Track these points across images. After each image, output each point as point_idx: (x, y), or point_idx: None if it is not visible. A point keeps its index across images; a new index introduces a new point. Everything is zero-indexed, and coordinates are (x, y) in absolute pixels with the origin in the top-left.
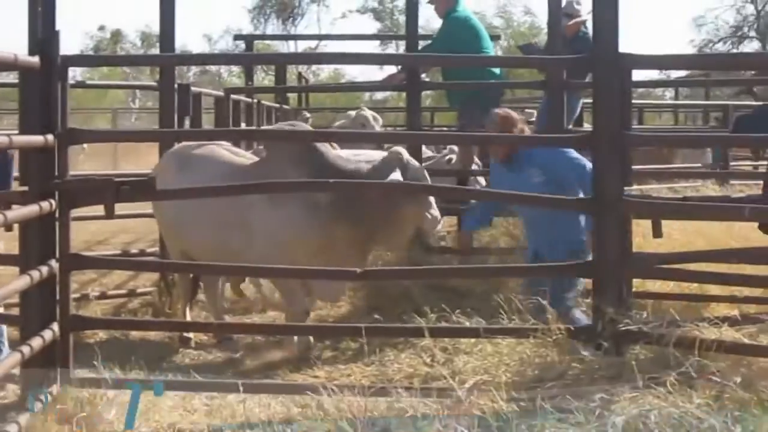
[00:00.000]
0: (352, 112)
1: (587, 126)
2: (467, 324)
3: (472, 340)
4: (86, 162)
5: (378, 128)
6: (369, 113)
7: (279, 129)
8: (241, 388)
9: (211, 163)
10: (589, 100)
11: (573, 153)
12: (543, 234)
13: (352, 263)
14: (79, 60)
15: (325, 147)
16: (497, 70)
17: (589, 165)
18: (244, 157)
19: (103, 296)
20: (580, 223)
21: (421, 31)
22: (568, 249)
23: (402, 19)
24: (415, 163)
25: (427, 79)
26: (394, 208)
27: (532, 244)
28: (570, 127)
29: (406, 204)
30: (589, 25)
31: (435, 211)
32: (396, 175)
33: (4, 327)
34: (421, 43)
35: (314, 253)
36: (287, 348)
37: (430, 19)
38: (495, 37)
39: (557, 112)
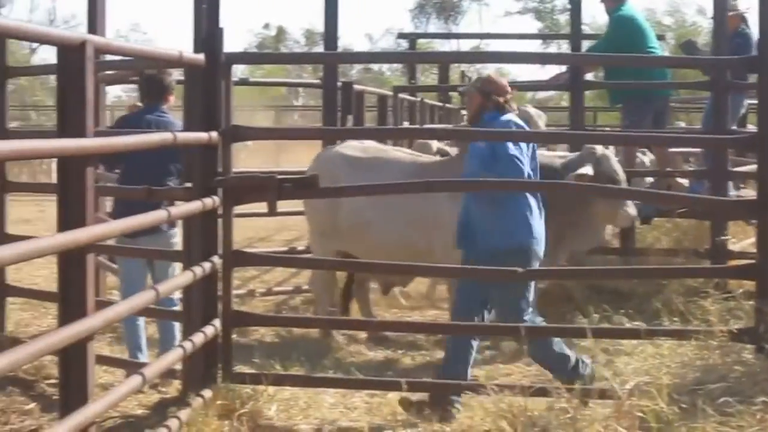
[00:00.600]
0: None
1: (751, 127)
2: (628, 325)
3: (633, 341)
4: (248, 159)
5: (542, 125)
6: (533, 110)
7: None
8: (404, 386)
9: (389, 162)
10: (754, 101)
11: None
12: (485, 219)
13: (544, 263)
14: (243, 57)
15: None
16: (664, 70)
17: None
18: (421, 156)
19: (267, 293)
20: (526, 218)
21: (586, 30)
22: (505, 239)
23: (562, 19)
24: (609, 157)
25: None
26: (587, 206)
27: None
28: (734, 127)
29: (599, 201)
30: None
31: (630, 209)
32: (587, 170)
33: (177, 324)
34: (585, 43)
35: None
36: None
37: (596, 16)
38: (660, 37)
39: (722, 113)
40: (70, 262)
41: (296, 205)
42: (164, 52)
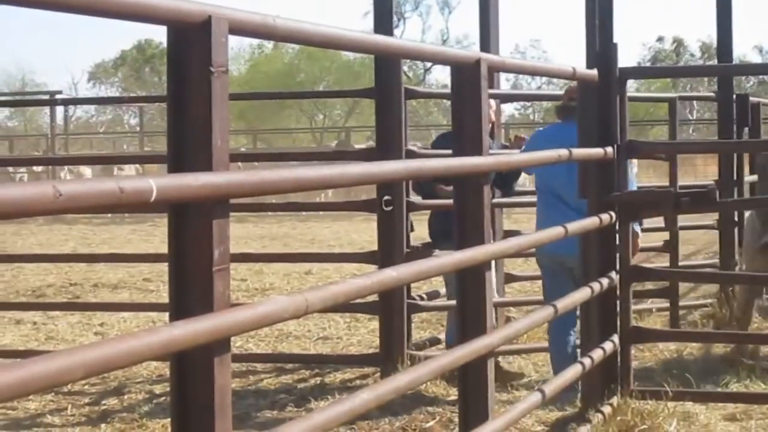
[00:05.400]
0: None
1: None
2: None
3: None
4: (639, 174)
5: None
6: None
7: None
8: None
9: None
10: None
11: None
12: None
13: None
14: (637, 72)
15: None
16: None
17: None
18: None
19: (664, 308)
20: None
21: None
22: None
23: None
24: None
25: None
26: None
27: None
28: None
29: None
30: None
31: None
32: None
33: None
34: None
35: None
36: None
37: None
38: None
39: None
40: (468, 279)
41: (694, 219)
42: (558, 68)
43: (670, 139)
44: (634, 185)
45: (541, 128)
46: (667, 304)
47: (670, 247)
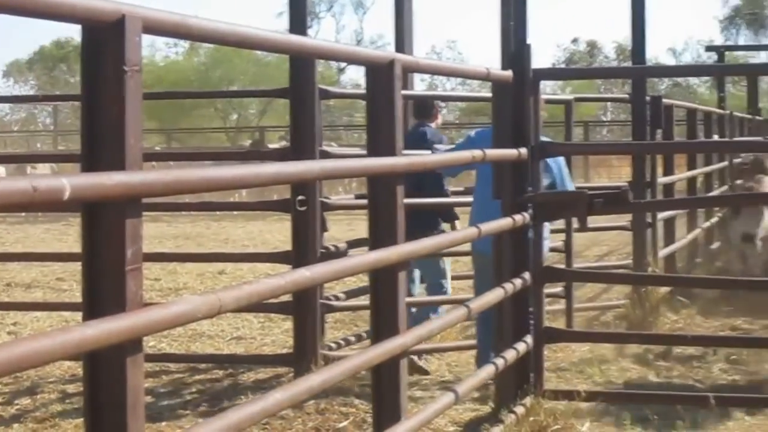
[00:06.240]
0: None
1: None
2: None
3: None
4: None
5: None
6: None
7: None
8: (712, 401)
9: None
10: None
11: None
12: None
13: None
14: (551, 73)
15: None
16: None
17: None
18: None
19: (576, 309)
20: None
21: None
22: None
23: None
24: None
25: None
26: None
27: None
28: None
29: None
30: None
31: None
32: None
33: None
34: None
35: None
36: None
37: None
38: None
39: None
40: (382, 279)
41: (608, 220)
42: (472, 69)
43: (564, 141)
44: (571, 185)
45: (480, 128)
46: (583, 305)
47: (566, 249)
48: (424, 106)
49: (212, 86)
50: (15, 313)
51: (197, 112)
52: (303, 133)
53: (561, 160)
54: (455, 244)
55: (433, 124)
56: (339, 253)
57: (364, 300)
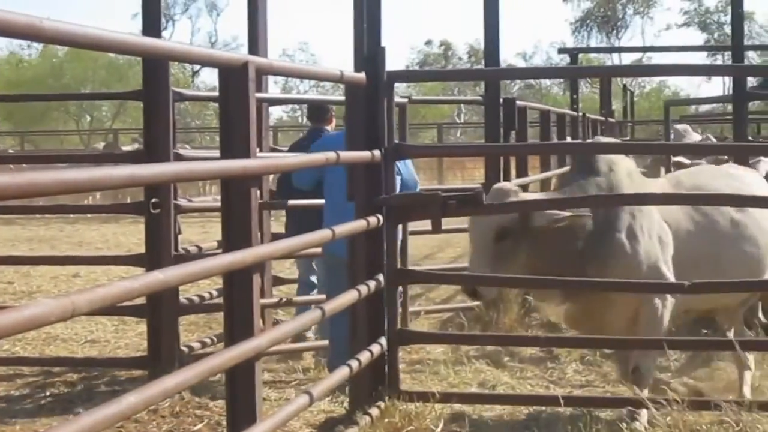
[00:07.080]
0: (679, 126)
1: None
2: None
3: None
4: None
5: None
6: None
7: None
8: (561, 401)
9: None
10: None
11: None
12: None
13: None
14: (405, 75)
15: None
16: None
17: None
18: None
19: (431, 311)
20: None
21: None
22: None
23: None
24: None
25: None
26: None
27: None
28: None
29: None
30: None
31: None
32: None
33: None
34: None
35: None
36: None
37: None
38: None
39: None
40: (236, 282)
41: (461, 222)
42: (326, 72)
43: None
44: (417, 185)
45: (329, 134)
46: (437, 306)
47: (400, 250)
48: (320, 110)
49: (65, 89)
50: None
51: (51, 114)
52: (157, 135)
53: (409, 161)
54: (310, 246)
55: (329, 127)
56: (193, 256)
57: (218, 301)
